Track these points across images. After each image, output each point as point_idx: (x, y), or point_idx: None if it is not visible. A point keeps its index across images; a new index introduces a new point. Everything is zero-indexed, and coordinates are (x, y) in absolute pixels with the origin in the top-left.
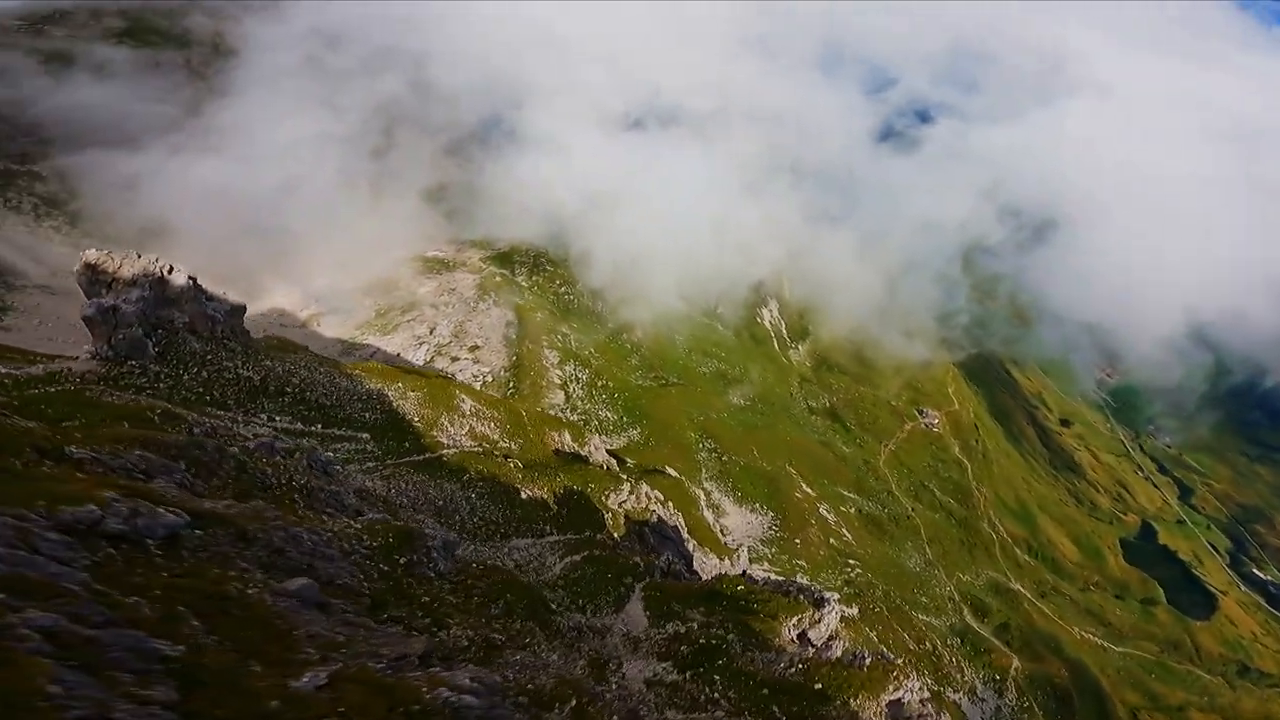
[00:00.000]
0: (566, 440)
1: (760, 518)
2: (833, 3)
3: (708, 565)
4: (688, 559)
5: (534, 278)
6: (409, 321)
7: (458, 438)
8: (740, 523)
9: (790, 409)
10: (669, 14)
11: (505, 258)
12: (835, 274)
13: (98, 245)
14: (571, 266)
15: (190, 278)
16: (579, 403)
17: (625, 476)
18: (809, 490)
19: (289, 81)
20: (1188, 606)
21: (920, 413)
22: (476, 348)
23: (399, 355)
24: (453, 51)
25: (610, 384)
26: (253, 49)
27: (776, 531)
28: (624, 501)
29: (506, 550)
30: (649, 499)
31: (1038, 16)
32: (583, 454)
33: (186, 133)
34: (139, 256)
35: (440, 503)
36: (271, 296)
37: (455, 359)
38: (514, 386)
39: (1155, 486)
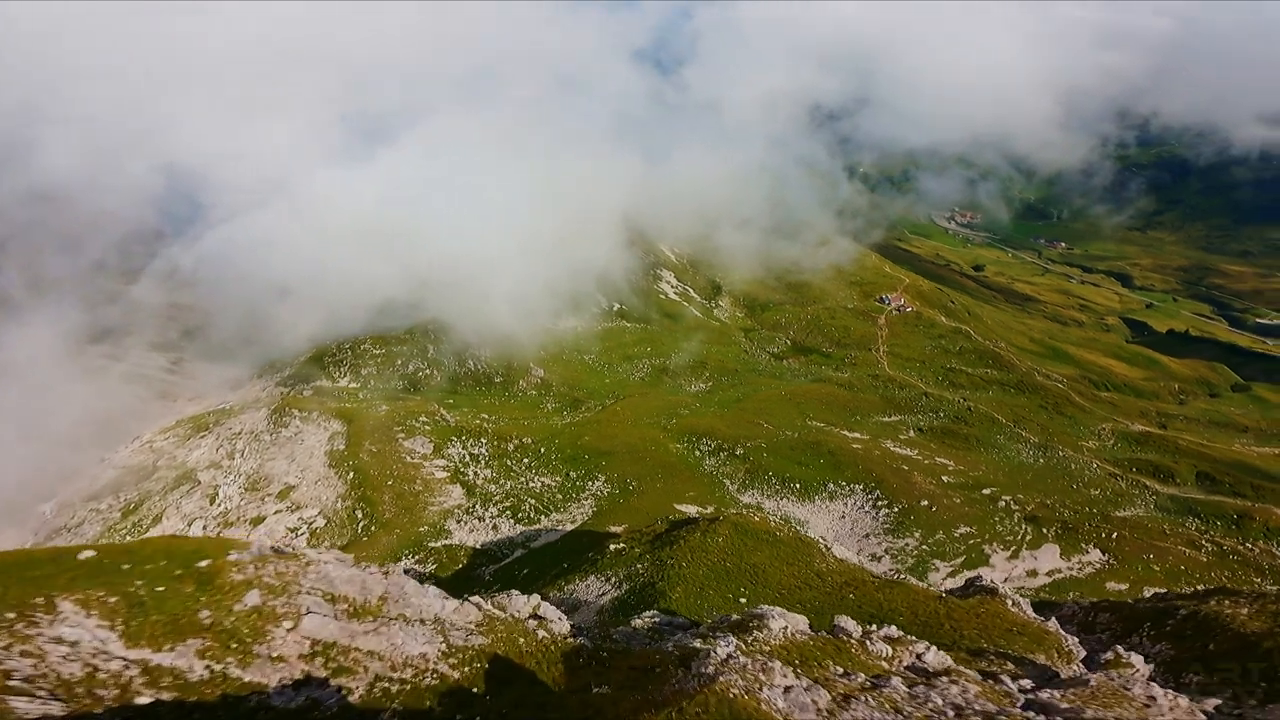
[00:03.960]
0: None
1: (847, 503)
2: None
3: None
4: None
5: (361, 371)
6: (173, 505)
7: None
8: (828, 523)
9: (756, 366)
10: None
11: (311, 364)
12: (707, 198)
13: None
14: (404, 332)
15: None
16: (490, 486)
17: None
18: (859, 434)
19: None
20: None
21: (882, 300)
22: (289, 489)
23: None
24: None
25: (528, 440)
26: None
27: (885, 508)
28: None
29: None
30: None
31: None
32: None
33: None
34: None
35: None
36: None
37: (258, 519)
38: (366, 515)
39: (1097, 286)
